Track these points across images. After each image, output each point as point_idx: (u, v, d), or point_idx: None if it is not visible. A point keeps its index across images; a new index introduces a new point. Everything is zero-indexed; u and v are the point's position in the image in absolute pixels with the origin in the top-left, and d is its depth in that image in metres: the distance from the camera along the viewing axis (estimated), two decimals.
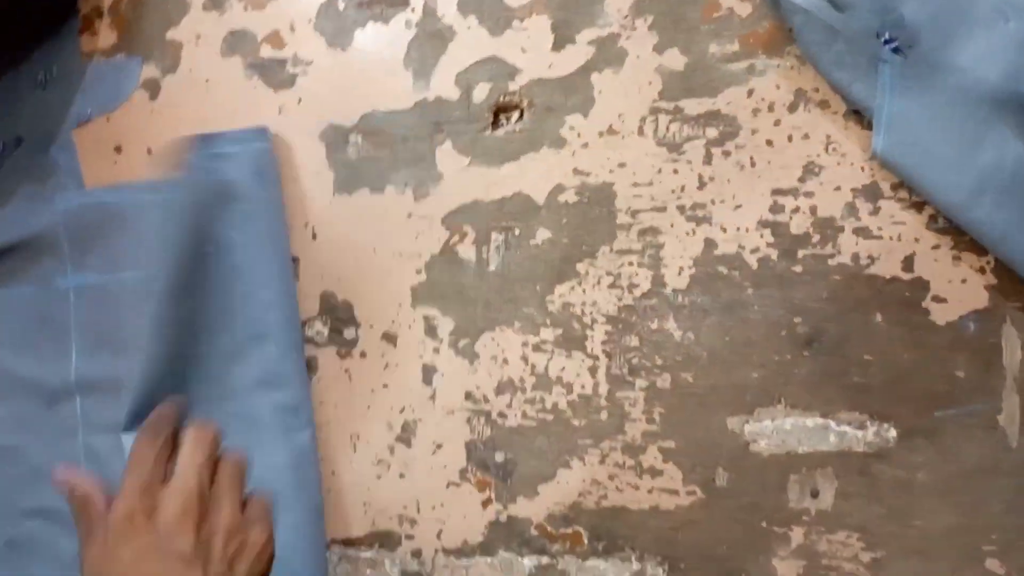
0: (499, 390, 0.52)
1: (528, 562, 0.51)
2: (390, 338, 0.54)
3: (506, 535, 0.51)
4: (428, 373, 0.53)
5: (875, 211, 0.44)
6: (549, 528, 0.50)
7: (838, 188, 0.44)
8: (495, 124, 0.52)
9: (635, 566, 0.48)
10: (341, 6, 0.56)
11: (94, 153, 0.62)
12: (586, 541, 0.49)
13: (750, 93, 0.46)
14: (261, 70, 0.58)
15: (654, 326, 0.48)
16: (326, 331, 0.56)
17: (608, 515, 0.49)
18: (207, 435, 0.44)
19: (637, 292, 0.48)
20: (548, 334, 0.50)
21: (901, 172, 0.42)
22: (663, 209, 0.48)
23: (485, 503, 0.52)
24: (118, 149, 0.61)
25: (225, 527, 0.40)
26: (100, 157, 0.61)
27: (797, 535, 0.45)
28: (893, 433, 0.43)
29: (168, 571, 0.38)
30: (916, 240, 0.43)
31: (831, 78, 0.43)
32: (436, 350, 0.53)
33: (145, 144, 0.60)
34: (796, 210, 0.45)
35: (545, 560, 0.50)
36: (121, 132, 0.61)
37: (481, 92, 0.52)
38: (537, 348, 0.51)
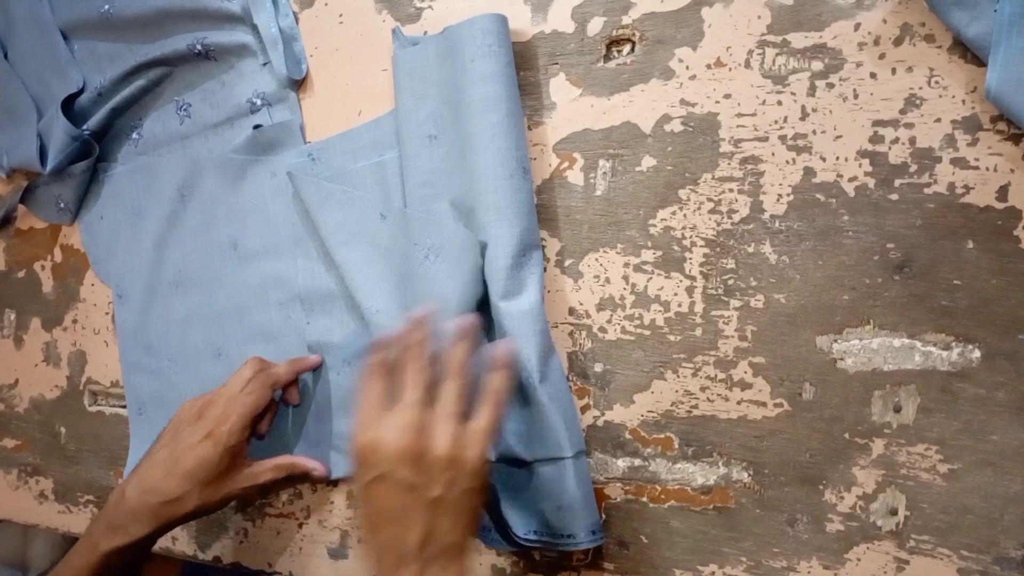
0: (600, 307, 0.56)
1: (622, 463, 0.55)
2: None
3: (602, 438, 0.56)
4: None
5: (973, 142, 0.45)
6: (643, 433, 0.54)
7: (938, 120, 0.46)
8: (607, 56, 0.55)
9: (721, 470, 0.52)
10: None
11: None
12: (676, 446, 0.54)
13: (857, 27, 0.48)
14: (391, 5, 0.62)
15: (751, 250, 0.51)
16: None
17: (698, 423, 0.53)
18: (419, 359, 0.49)
19: (736, 217, 0.51)
20: (649, 255, 0.54)
21: (1012, 109, 0.43)
22: (765, 139, 0.50)
23: (584, 409, 0.56)
24: None
25: (442, 457, 0.45)
26: None
27: (878, 446, 0.48)
28: (977, 354, 0.46)
29: (392, 496, 0.44)
30: (1012, 171, 0.45)
31: (947, 17, 0.44)
32: (543, 268, 0.57)
33: None
34: (896, 141, 0.47)
35: (637, 462, 0.55)
36: None
37: (595, 26, 0.55)
38: (638, 268, 0.54)
